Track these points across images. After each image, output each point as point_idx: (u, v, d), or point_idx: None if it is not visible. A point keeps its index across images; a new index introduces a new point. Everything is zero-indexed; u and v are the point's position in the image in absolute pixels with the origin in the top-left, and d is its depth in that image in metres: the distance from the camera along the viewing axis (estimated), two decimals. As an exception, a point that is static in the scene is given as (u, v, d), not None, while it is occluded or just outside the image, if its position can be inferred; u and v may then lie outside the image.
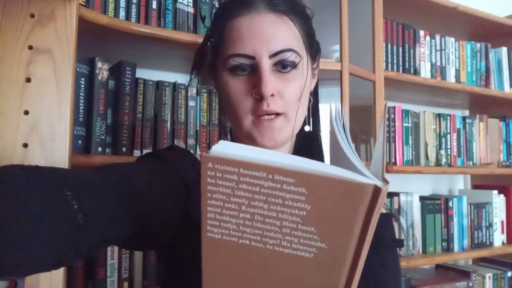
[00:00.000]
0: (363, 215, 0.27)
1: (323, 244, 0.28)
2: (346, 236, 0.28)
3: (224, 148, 0.27)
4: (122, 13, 1.00)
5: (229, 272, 0.32)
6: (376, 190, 0.26)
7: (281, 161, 0.26)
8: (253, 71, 0.57)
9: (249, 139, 0.58)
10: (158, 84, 1.08)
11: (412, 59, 1.55)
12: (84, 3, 0.92)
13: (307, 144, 0.67)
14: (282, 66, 0.57)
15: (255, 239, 0.29)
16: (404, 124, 1.54)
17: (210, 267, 0.32)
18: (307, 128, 0.65)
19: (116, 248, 1.00)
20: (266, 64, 0.56)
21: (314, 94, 0.68)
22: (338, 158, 0.34)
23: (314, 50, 0.64)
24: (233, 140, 0.68)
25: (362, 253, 0.29)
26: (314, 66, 0.65)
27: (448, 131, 1.65)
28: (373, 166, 0.32)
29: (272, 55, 0.56)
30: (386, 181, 0.27)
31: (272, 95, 0.56)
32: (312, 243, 0.28)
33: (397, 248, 0.64)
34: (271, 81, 0.55)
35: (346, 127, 0.36)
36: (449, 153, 1.64)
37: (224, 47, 0.58)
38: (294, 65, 0.57)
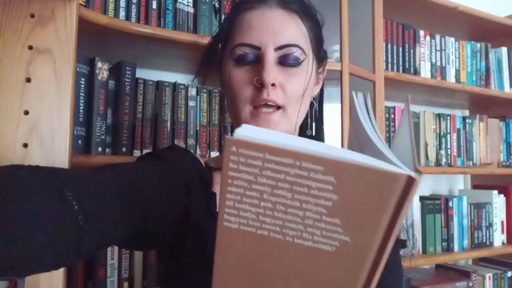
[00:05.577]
0: (392, 207, 0.25)
1: (347, 237, 0.27)
2: (372, 229, 0.26)
3: (248, 131, 0.25)
4: (122, 13, 1.00)
5: (243, 264, 0.30)
6: (410, 181, 0.24)
7: (308, 147, 0.25)
8: (257, 62, 0.57)
9: None
10: (158, 84, 1.08)
11: (412, 59, 1.55)
12: (84, 3, 0.92)
13: None
14: (287, 60, 0.57)
15: (275, 230, 0.28)
16: (404, 124, 1.53)
17: (223, 258, 0.30)
18: (309, 133, 0.65)
19: (116, 248, 1.00)
20: (270, 55, 0.56)
21: (319, 101, 0.68)
22: (363, 147, 0.32)
23: (321, 55, 0.64)
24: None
25: (387, 248, 0.27)
26: (320, 70, 0.65)
27: (448, 131, 1.65)
28: (398, 156, 0.30)
29: (278, 48, 0.56)
30: (419, 172, 0.25)
31: (273, 85, 0.56)
32: (335, 236, 0.27)
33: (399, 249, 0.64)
34: (273, 71, 0.55)
35: (371, 115, 0.34)
36: (449, 153, 1.64)
37: (232, 38, 0.59)
38: (298, 62, 0.58)
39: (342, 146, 1.19)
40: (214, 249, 0.30)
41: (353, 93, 0.36)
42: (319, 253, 0.28)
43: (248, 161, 0.25)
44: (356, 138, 0.35)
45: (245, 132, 0.25)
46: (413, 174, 0.24)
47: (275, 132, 0.25)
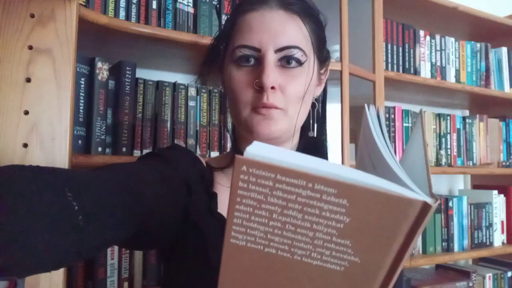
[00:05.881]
0: (405, 232, 0.25)
1: (357, 258, 0.26)
2: (383, 252, 0.26)
3: (259, 150, 0.24)
4: (122, 13, 1.00)
5: (249, 281, 0.30)
6: (425, 207, 0.24)
7: (321, 168, 0.24)
8: (257, 64, 0.57)
9: (247, 130, 0.58)
10: (158, 84, 1.08)
11: (412, 59, 1.55)
12: (84, 3, 0.92)
13: (311, 151, 0.66)
14: (287, 61, 0.57)
15: (283, 249, 0.27)
16: (404, 124, 1.54)
17: (228, 274, 0.30)
18: (311, 134, 0.65)
19: (116, 248, 1.00)
20: (270, 57, 0.56)
21: (322, 102, 0.68)
22: (375, 164, 0.31)
23: (323, 56, 0.64)
24: (235, 137, 0.68)
25: (397, 270, 0.27)
26: (322, 71, 0.65)
27: (448, 131, 1.65)
28: (411, 176, 0.29)
29: (278, 50, 0.56)
30: (435, 198, 0.24)
31: (273, 87, 0.55)
32: (344, 257, 0.27)
33: None
34: (273, 73, 0.55)
35: (385, 131, 0.33)
36: (449, 153, 1.64)
37: (233, 40, 0.59)
38: (299, 63, 0.57)
39: (342, 145, 1.19)
40: (219, 265, 0.29)
41: (366, 105, 0.35)
42: (327, 272, 0.27)
43: (258, 181, 0.25)
44: (368, 153, 0.34)
45: (256, 150, 0.24)
46: (429, 200, 0.24)
47: (287, 151, 0.25)
